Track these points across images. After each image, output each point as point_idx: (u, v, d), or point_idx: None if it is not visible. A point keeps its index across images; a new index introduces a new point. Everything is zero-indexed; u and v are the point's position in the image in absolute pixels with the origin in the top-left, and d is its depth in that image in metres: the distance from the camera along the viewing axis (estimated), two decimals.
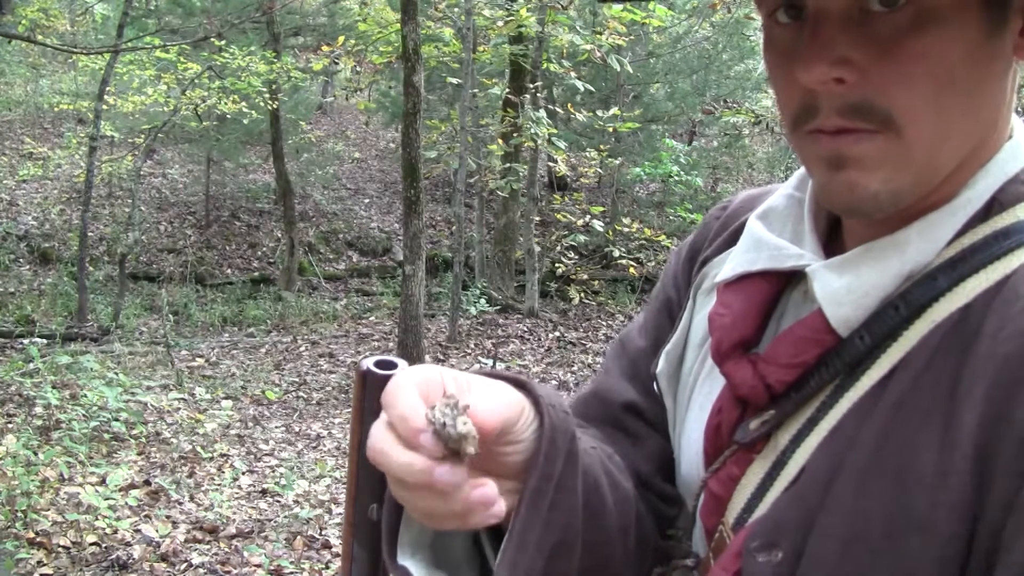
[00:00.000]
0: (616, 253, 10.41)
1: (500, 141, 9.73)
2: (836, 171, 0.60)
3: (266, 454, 5.74)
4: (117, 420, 5.34)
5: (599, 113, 9.28)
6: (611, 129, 10.45)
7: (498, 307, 9.64)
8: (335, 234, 12.76)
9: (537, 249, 10.06)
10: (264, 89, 10.57)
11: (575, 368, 8.10)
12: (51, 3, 11.80)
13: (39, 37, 9.17)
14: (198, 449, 5.41)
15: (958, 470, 0.53)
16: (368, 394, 0.58)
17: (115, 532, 4.10)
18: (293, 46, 14.39)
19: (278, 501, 4.86)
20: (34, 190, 12.28)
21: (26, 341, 7.79)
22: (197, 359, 8.19)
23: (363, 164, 15.13)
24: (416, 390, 0.54)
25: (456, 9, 9.00)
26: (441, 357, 8.18)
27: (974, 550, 0.53)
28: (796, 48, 0.59)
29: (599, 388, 0.86)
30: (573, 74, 9.43)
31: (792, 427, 0.64)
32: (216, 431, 5.89)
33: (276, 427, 6.34)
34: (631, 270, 10.23)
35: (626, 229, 10.62)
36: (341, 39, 11.00)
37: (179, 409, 6.07)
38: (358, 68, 11.21)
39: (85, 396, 5.55)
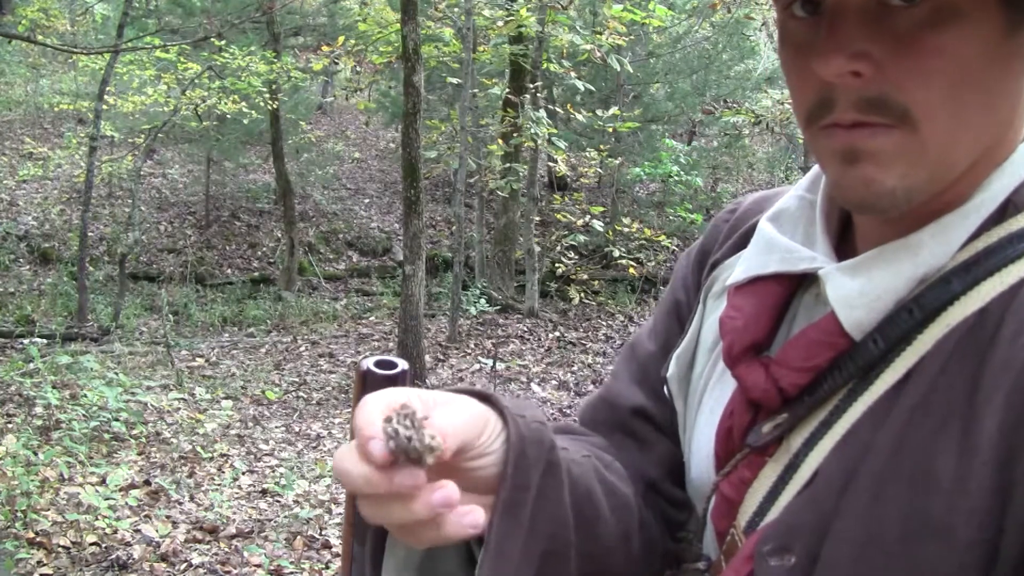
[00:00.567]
0: (616, 253, 10.40)
1: (500, 141, 9.72)
2: (850, 165, 0.59)
3: (266, 454, 5.74)
4: (117, 420, 5.33)
5: (599, 113, 9.27)
6: (611, 129, 10.44)
7: (498, 307, 9.64)
8: (335, 234, 12.76)
9: (537, 249, 10.06)
10: (264, 89, 10.56)
11: (575, 368, 8.10)
12: (51, 3, 11.79)
13: (39, 37, 9.16)
14: (198, 449, 5.41)
15: (978, 476, 0.53)
16: (368, 394, 0.58)
17: (115, 532, 4.10)
18: (293, 46, 14.39)
19: (278, 501, 4.86)
20: (34, 190, 12.27)
21: (26, 341, 7.78)
22: (197, 359, 8.18)
23: (363, 164, 15.13)
24: (379, 407, 0.54)
25: (456, 9, 8.99)
26: (441, 357, 8.18)
27: (1000, 558, 0.52)
28: (813, 42, 0.59)
29: (607, 393, 0.86)
30: (573, 74, 9.43)
31: (805, 431, 0.64)
32: (216, 431, 5.89)
33: (276, 427, 6.34)
34: (631, 270, 10.23)
35: (626, 229, 10.62)
36: (341, 39, 10.99)
37: (179, 409, 6.06)
38: (358, 68, 11.21)
39: (85, 396, 5.55)
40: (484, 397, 0.62)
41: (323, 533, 4.43)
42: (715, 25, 12.42)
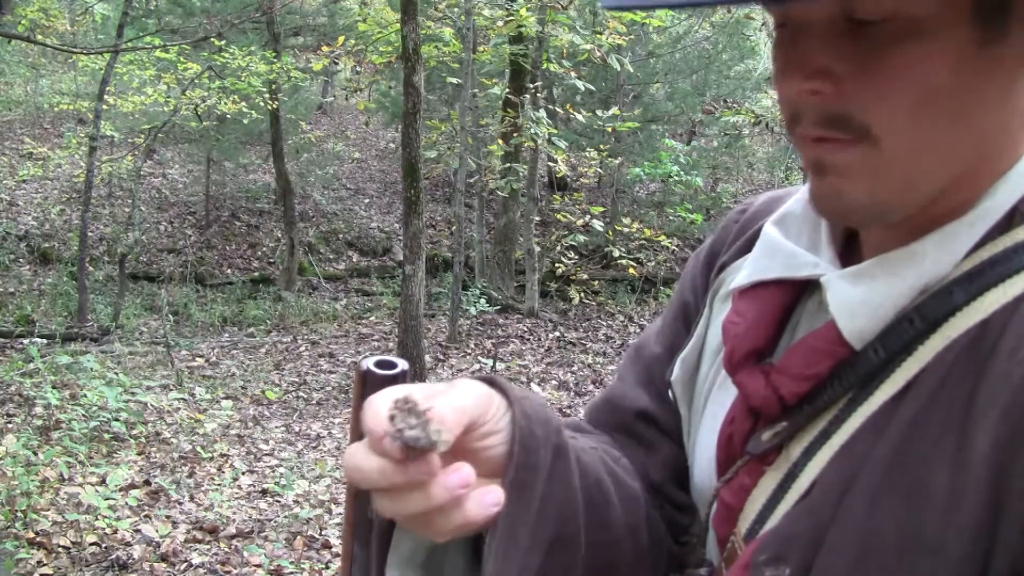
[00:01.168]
0: (616, 253, 10.40)
1: (500, 141, 9.72)
2: (820, 177, 0.60)
3: (266, 454, 5.74)
4: (117, 420, 5.34)
5: (599, 113, 9.27)
6: (611, 129, 10.45)
7: (498, 307, 9.63)
8: (335, 234, 12.75)
9: (537, 249, 10.06)
10: (264, 89, 10.56)
11: (575, 368, 8.10)
12: (51, 3, 11.78)
13: (39, 37, 9.16)
14: (198, 449, 5.41)
15: (971, 492, 0.52)
16: (368, 394, 0.58)
17: (115, 532, 4.10)
18: (293, 46, 14.39)
19: (278, 501, 4.86)
20: (34, 190, 12.27)
21: (26, 341, 7.79)
22: (197, 359, 8.18)
23: (363, 164, 15.12)
24: (385, 405, 0.54)
25: (456, 9, 8.99)
26: (441, 357, 8.18)
27: (992, 573, 0.51)
28: (786, 56, 0.59)
29: (612, 395, 0.85)
30: (573, 74, 9.43)
31: (804, 440, 0.63)
32: (216, 431, 5.89)
33: (276, 427, 6.34)
34: (631, 270, 10.23)
35: (626, 229, 10.63)
36: (341, 39, 10.99)
37: (179, 409, 6.07)
38: (358, 68, 11.19)
39: (85, 396, 5.55)
40: (487, 380, 0.62)
41: (323, 533, 4.43)
42: (715, 25, 12.43)
